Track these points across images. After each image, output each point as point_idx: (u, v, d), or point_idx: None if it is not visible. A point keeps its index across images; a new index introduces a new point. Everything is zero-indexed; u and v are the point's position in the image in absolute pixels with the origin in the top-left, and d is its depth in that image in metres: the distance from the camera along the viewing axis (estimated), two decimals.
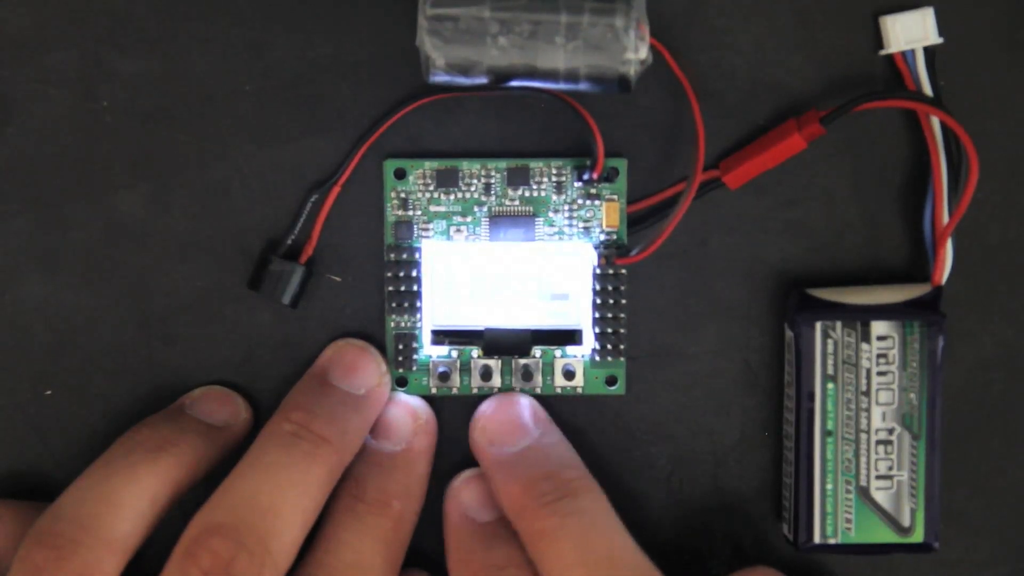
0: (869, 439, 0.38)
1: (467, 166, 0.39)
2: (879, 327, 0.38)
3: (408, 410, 0.39)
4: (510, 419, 0.38)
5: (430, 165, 0.39)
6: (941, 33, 0.38)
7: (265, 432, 0.37)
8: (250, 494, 0.35)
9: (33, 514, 0.36)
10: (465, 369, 0.39)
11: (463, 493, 0.39)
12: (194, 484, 0.37)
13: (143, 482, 0.35)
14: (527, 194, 0.39)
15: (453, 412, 0.40)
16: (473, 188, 0.39)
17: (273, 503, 0.35)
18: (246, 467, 0.36)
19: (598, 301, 0.39)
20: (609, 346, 0.39)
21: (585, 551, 0.35)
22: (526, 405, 0.39)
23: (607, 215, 0.39)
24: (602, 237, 0.39)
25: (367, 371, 0.39)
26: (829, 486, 0.38)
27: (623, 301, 0.39)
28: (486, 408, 0.39)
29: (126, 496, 0.35)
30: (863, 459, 0.38)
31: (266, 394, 0.40)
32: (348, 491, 0.37)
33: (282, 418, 0.37)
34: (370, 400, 0.38)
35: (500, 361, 0.39)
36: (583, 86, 0.36)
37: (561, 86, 0.36)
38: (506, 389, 0.39)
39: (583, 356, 0.39)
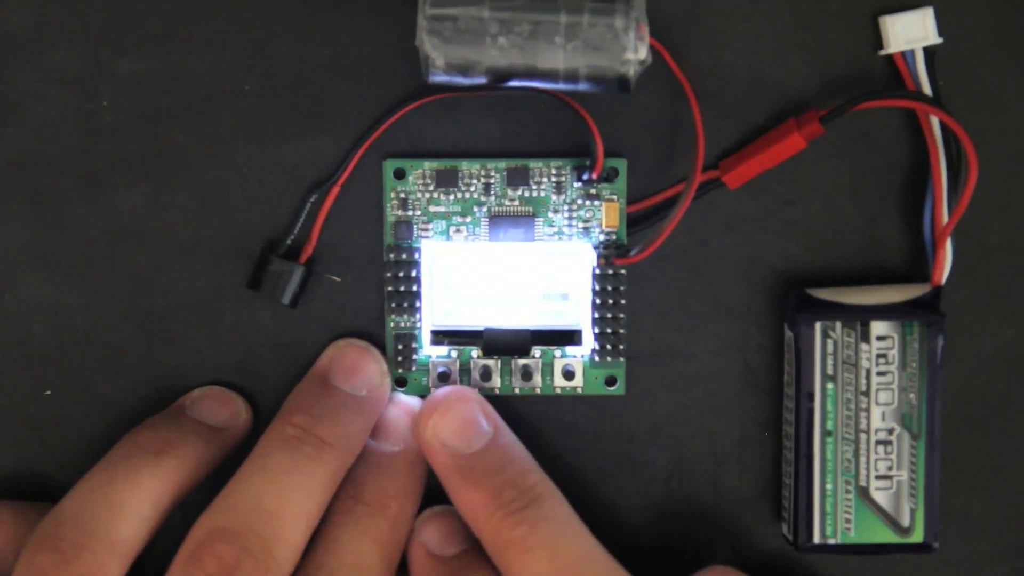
0: (869, 439, 0.38)
1: (467, 166, 0.39)
2: (879, 327, 0.38)
3: (407, 410, 0.39)
4: (463, 418, 0.37)
5: (430, 165, 0.39)
6: (941, 33, 0.38)
7: (267, 435, 0.37)
8: (254, 498, 0.35)
9: (33, 515, 0.36)
10: (465, 369, 0.39)
11: (423, 533, 0.38)
12: (195, 486, 0.37)
13: (145, 485, 0.36)
14: (527, 194, 0.39)
15: None
16: (473, 188, 0.39)
17: (277, 507, 0.35)
18: (249, 471, 0.36)
19: (597, 301, 0.39)
20: (609, 346, 0.39)
21: (556, 558, 0.35)
22: (476, 402, 0.38)
23: (606, 215, 0.39)
24: (601, 237, 0.39)
25: (368, 372, 0.39)
26: (829, 486, 0.38)
27: (622, 301, 0.39)
28: (433, 405, 0.38)
29: (128, 499, 0.35)
30: (863, 459, 0.38)
31: (266, 394, 0.40)
32: (347, 492, 0.37)
33: (284, 421, 0.37)
34: (372, 401, 0.38)
35: (499, 361, 0.39)
36: (583, 86, 0.36)
37: (561, 86, 0.36)
38: (505, 389, 0.39)
39: (583, 356, 0.39)
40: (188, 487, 0.37)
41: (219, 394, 0.39)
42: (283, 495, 0.35)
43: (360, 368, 0.39)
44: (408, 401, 0.39)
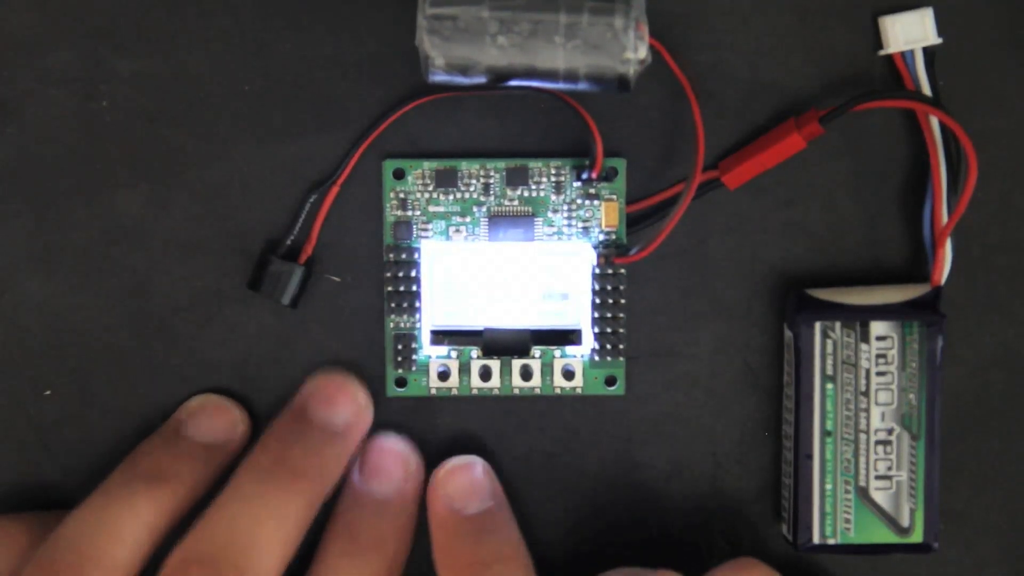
0: (868, 439, 0.38)
1: (466, 166, 0.39)
2: (878, 327, 0.38)
3: (398, 458, 0.39)
4: (469, 481, 0.39)
5: (429, 165, 0.39)
6: (940, 33, 0.38)
7: (244, 465, 0.37)
8: (228, 526, 0.35)
9: (40, 527, 0.36)
10: (464, 369, 0.39)
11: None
12: (192, 507, 0.37)
13: (141, 511, 0.36)
14: (526, 194, 0.39)
15: (452, 412, 0.40)
16: (472, 188, 0.39)
17: (251, 534, 0.35)
18: (226, 499, 0.36)
19: (597, 301, 0.39)
20: (608, 346, 0.39)
21: None
22: (482, 471, 0.39)
23: (606, 215, 0.39)
24: (601, 237, 0.39)
25: (345, 405, 0.39)
26: (828, 486, 0.38)
27: (622, 301, 0.39)
28: (452, 467, 0.39)
29: (125, 526, 0.36)
30: (862, 459, 0.38)
31: (265, 394, 0.40)
32: (342, 536, 0.38)
33: (260, 451, 0.37)
34: (349, 432, 0.38)
35: (499, 361, 0.39)
36: (582, 86, 0.36)
37: (560, 86, 0.36)
38: (505, 389, 0.39)
39: (582, 356, 0.39)
40: (185, 510, 0.37)
41: (215, 406, 0.39)
42: (257, 523, 0.35)
43: (337, 400, 0.39)
44: (396, 447, 0.39)
